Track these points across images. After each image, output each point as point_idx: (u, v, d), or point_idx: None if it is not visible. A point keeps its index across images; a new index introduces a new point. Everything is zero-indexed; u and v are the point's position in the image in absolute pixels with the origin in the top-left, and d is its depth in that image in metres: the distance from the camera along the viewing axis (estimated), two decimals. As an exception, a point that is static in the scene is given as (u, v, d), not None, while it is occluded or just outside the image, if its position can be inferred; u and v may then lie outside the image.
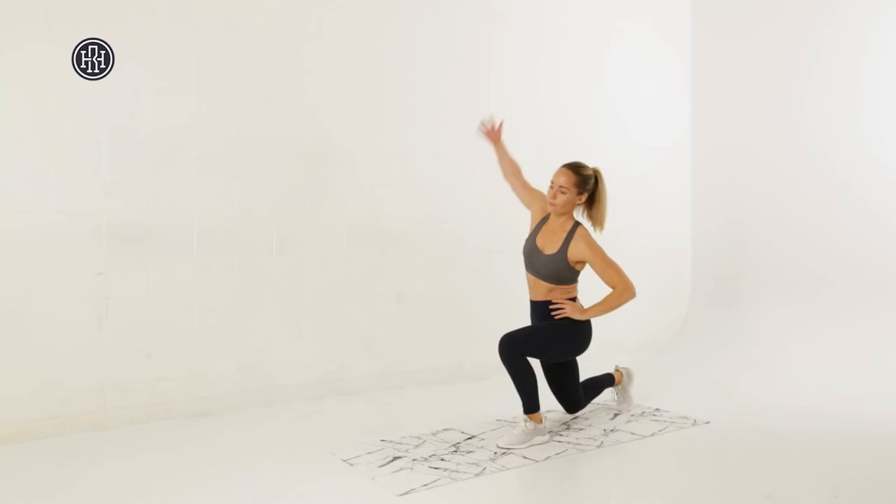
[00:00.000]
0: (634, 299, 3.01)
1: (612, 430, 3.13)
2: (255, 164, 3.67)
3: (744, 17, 4.99)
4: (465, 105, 4.37)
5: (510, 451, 2.82)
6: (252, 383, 3.65)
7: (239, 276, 3.62)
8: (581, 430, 3.14)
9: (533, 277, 3.10)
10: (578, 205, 3.03)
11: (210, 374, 3.53)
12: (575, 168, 3.02)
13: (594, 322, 3.13)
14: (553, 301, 3.04)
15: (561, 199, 2.98)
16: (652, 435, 3.05)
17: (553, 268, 3.00)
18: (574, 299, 3.11)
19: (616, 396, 3.51)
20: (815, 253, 4.44)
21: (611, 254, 3.04)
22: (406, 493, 2.37)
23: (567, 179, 2.98)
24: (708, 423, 3.22)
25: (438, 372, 4.24)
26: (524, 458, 2.75)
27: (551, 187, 3.02)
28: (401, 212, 4.14)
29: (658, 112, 5.31)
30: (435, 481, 2.48)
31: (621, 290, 2.95)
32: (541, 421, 2.94)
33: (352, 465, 2.67)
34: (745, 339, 4.62)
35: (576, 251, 2.97)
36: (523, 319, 3.27)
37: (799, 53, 4.59)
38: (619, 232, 5.00)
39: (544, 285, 3.06)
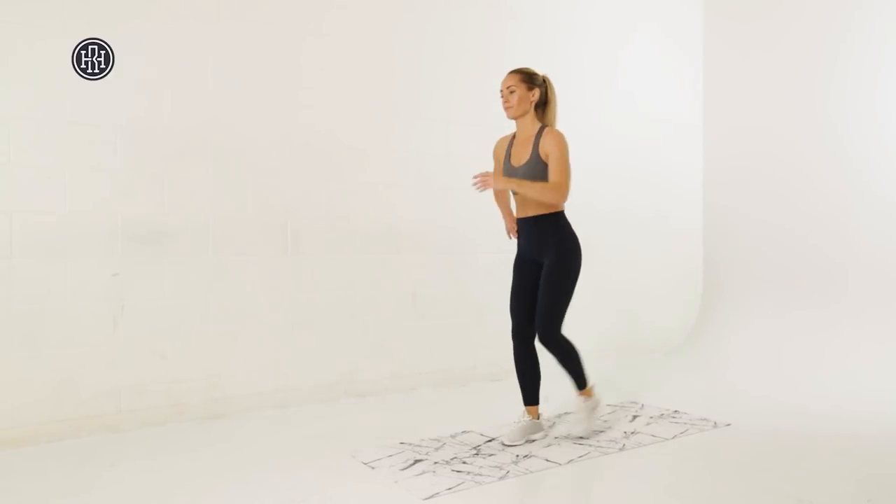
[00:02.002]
0: (557, 204, 2.85)
1: (632, 433, 3.10)
2: (270, 165, 3.64)
3: (757, 11, 4.95)
4: (477, 104, 4.34)
5: (512, 446, 2.89)
6: (267, 385, 3.62)
7: (253, 277, 3.59)
8: (601, 432, 3.11)
9: (518, 196, 2.94)
10: (533, 101, 2.90)
11: (225, 376, 3.50)
12: (517, 69, 2.95)
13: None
14: (542, 215, 2.87)
15: (513, 98, 2.88)
16: (674, 437, 3.02)
17: (532, 174, 2.84)
18: (561, 213, 2.92)
19: (577, 404, 3.08)
20: (831, 253, 4.40)
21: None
22: (431, 496, 2.34)
23: (512, 78, 2.90)
24: (729, 425, 3.19)
25: (452, 373, 4.21)
26: (547, 460, 2.72)
27: (501, 96, 2.93)
28: (414, 212, 4.11)
29: (671, 113, 5.29)
30: (459, 485, 2.45)
31: (553, 187, 2.77)
32: (537, 416, 3.02)
33: (373, 468, 2.63)
34: (759, 339, 4.59)
35: (545, 145, 2.83)
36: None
37: (815, 45, 4.54)
38: (631, 232, 5.03)
39: (530, 200, 2.89)
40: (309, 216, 3.75)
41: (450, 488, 2.41)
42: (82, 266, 3.15)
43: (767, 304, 4.72)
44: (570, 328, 2.96)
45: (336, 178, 3.85)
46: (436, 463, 2.68)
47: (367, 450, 2.85)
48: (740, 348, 4.61)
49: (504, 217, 3.17)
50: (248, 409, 3.52)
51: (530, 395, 3.01)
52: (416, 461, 2.71)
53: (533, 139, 2.88)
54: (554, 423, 3.27)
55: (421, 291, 4.15)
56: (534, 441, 2.97)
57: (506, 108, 2.93)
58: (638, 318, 5.09)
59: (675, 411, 3.45)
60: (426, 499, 2.32)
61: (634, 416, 3.38)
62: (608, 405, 3.57)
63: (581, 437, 2.99)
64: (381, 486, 2.46)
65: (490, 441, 2.97)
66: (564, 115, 4.68)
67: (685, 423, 3.23)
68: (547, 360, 2.99)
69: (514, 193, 2.96)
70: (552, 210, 2.89)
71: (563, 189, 2.80)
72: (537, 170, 2.84)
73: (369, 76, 3.96)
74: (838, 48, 4.41)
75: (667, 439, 3.00)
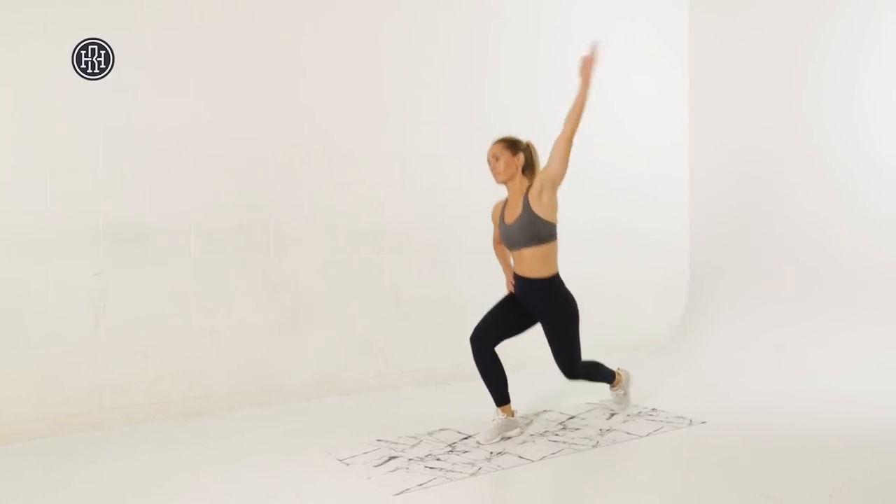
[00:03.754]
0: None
1: (607, 430, 3.13)
2: (253, 164, 3.68)
3: (741, 17, 5.00)
4: (463, 105, 4.38)
5: (486, 444, 2.92)
6: (249, 383, 3.65)
7: (236, 276, 3.63)
8: (577, 429, 3.15)
9: (517, 251, 3.03)
10: (518, 166, 3.03)
11: (207, 374, 3.53)
12: (501, 138, 3.08)
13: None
14: (538, 278, 3.00)
15: (500, 165, 3.01)
16: (648, 435, 3.06)
17: (526, 228, 2.96)
18: (556, 276, 3.06)
19: (613, 396, 3.51)
20: (812, 252, 4.44)
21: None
22: (401, 492, 2.37)
23: (496, 147, 3.04)
24: (704, 422, 3.22)
25: (436, 372, 4.25)
26: (520, 457, 2.75)
27: (489, 164, 3.06)
28: (399, 212, 4.14)
29: (655, 112, 5.32)
30: (430, 481, 2.48)
31: (568, 133, 3.03)
32: (511, 413, 3.06)
33: (347, 465, 2.67)
34: (742, 338, 4.62)
35: (534, 192, 2.95)
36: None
37: (796, 53, 4.59)
38: (616, 231, 5.06)
39: (528, 255, 3.00)
40: (292, 215, 3.79)
41: (421, 484, 2.45)
42: (64, 265, 3.19)
43: (752, 305, 4.75)
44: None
45: (320, 178, 3.88)
46: (410, 460, 2.72)
47: (343, 447, 2.88)
48: (723, 348, 4.64)
49: (504, 271, 3.27)
50: (231, 407, 3.56)
51: (500, 395, 3.05)
52: (391, 458, 2.74)
53: (522, 198, 3.01)
54: (531, 420, 3.31)
55: (405, 291, 4.19)
56: (509, 438, 3.01)
57: (494, 175, 3.06)
58: (624, 317, 5.11)
59: (653, 409, 3.49)
60: (396, 494, 2.36)
61: (612, 414, 3.41)
62: (587, 403, 3.62)
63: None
64: (353, 482, 2.49)
65: (466, 438, 3.01)
66: (552, 117, 4.73)
67: (661, 421, 3.26)
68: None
69: (513, 251, 3.07)
70: (548, 274, 3.02)
71: (569, 138, 3.01)
72: (529, 222, 2.96)
73: (355, 77, 3.99)
74: (815, 47, 4.45)
75: (641, 436, 3.04)
